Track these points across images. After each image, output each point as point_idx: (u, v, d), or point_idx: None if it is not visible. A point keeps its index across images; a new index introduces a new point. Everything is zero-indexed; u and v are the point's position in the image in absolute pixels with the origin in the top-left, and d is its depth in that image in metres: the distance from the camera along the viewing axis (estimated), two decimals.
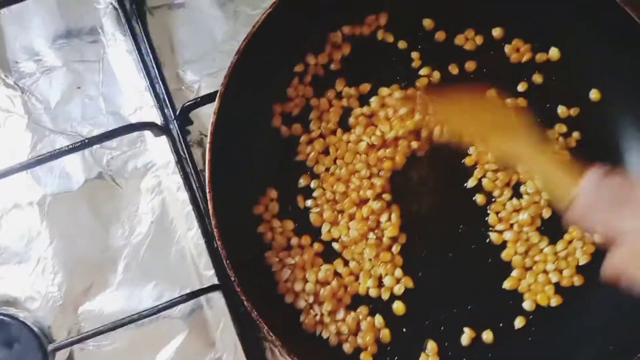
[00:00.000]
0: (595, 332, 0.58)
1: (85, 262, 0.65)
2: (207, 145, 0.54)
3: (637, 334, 0.56)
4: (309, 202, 0.62)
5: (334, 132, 0.63)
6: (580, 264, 0.61)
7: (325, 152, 0.63)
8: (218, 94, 0.55)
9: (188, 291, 0.63)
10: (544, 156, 0.55)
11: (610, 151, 0.62)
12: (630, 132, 0.62)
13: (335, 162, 0.63)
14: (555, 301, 0.60)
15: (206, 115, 0.67)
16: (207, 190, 0.53)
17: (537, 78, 0.64)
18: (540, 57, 0.64)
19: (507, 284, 0.61)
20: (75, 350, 0.63)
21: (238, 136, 0.60)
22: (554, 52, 0.64)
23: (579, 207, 0.48)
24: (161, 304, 0.61)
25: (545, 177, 0.57)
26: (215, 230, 0.53)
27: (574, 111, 0.63)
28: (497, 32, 0.64)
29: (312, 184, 0.62)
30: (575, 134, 0.63)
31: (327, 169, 0.63)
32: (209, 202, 0.54)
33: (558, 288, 0.61)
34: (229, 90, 0.56)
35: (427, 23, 0.64)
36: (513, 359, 0.59)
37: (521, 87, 0.64)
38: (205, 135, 0.67)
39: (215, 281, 0.64)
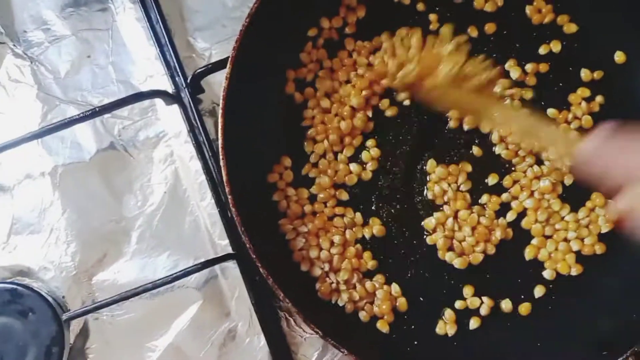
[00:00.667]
0: (617, 302, 0.57)
1: (98, 233, 0.65)
2: (220, 112, 0.53)
3: None
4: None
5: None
6: (602, 232, 0.59)
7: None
8: (229, 59, 0.54)
9: (202, 260, 0.62)
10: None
11: (635, 115, 0.59)
12: None
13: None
14: (575, 270, 0.59)
15: (218, 84, 0.66)
16: (221, 158, 0.52)
17: (558, 43, 0.62)
18: (562, 19, 0.62)
19: (527, 253, 0.59)
20: (89, 319, 0.63)
21: (251, 103, 0.58)
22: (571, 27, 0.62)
23: (586, 149, 0.47)
24: (175, 273, 0.61)
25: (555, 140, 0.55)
26: (229, 198, 0.52)
27: (597, 74, 0.61)
28: None
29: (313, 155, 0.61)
30: (599, 98, 0.61)
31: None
32: (222, 170, 0.53)
33: (579, 257, 0.59)
34: (241, 55, 0.55)
35: None
36: (533, 328, 0.58)
37: (542, 50, 0.62)
38: (218, 104, 0.66)
39: (230, 250, 0.63)
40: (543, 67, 0.61)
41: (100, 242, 0.65)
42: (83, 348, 0.63)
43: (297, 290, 0.54)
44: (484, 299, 0.59)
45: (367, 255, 0.60)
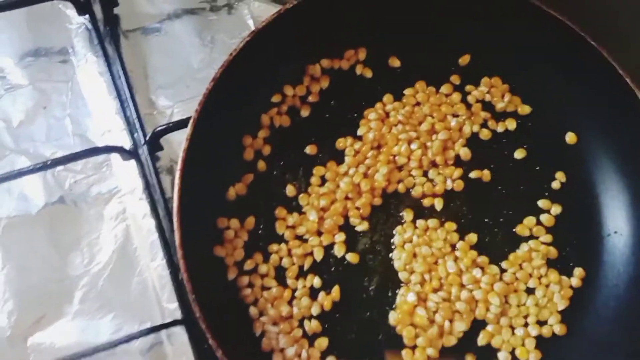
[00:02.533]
0: None
1: (39, 291, 0.61)
2: (177, 172, 0.52)
3: None
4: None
5: None
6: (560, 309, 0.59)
7: None
8: (191, 120, 0.53)
9: (149, 325, 0.60)
10: None
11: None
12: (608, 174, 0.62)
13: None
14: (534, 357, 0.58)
15: (177, 142, 0.66)
16: (175, 219, 0.51)
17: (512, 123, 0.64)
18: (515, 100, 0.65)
19: (480, 339, 0.58)
20: None
21: (209, 165, 0.58)
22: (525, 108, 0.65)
23: None
24: (119, 338, 0.57)
25: None
26: (181, 261, 0.50)
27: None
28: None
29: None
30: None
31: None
32: (175, 231, 0.51)
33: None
34: (203, 116, 0.54)
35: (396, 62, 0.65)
36: None
37: (500, 127, 0.64)
38: (176, 162, 0.64)
39: (178, 315, 0.61)
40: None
41: (41, 301, 0.61)
42: None
43: None
44: None
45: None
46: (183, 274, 0.50)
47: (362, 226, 0.60)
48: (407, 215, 0.61)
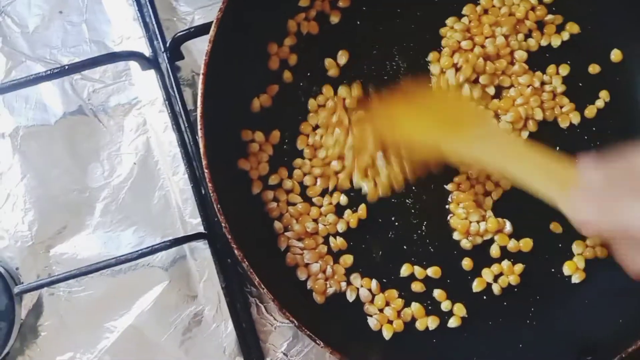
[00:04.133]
0: (603, 305, 0.55)
1: (59, 202, 0.60)
2: (201, 77, 0.49)
3: None
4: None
5: None
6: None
7: None
8: (214, 21, 0.50)
9: (171, 238, 0.58)
10: (523, 148, 0.49)
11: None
12: None
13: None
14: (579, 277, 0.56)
15: (199, 52, 0.62)
16: (199, 127, 0.48)
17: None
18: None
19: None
20: (44, 294, 0.59)
21: (233, 73, 0.54)
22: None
23: (581, 202, 0.42)
24: (142, 249, 0.56)
25: (528, 172, 0.47)
26: (206, 172, 0.48)
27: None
28: None
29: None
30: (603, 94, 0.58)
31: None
32: (199, 139, 0.49)
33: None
34: (227, 18, 0.51)
35: None
36: (514, 331, 0.56)
37: (544, 41, 0.59)
38: (198, 74, 0.61)
39: (201, 230, 0.59)
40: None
41: (61, 212, 0.60)
42: (35, 325, 0.59)
43: (272, 276, 0.50)
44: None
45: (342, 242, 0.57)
46: (208, 184, 0.47)
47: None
48: None
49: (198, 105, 0.48)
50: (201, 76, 0.49)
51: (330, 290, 0.55)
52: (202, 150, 0.48)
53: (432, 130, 0.51)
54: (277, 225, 0.55)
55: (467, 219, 0.56)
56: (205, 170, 0.48)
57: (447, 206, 0.57)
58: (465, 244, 0.56)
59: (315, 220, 0.56)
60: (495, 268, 0.56)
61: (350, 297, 0.55)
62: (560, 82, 0.58)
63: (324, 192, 0.57)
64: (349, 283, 0.56)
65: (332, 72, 0.58)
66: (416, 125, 0.52)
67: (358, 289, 0.56)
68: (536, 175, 0.46)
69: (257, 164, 0.56)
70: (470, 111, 0.55)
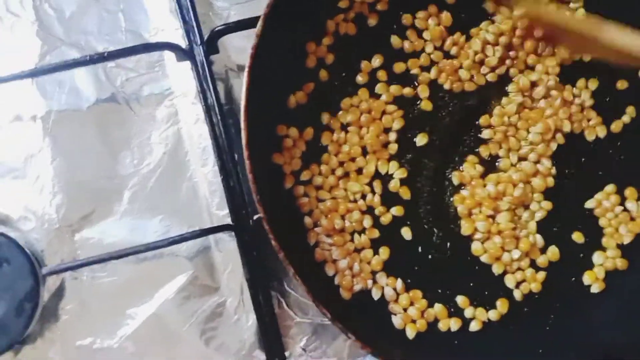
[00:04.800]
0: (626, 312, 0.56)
1: (88, 187, 0.60)
2: (246, 70, 0.50)
3: None
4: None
5: None
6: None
7: None
8: (262, 16, 0.51)
9: (197, 229, 0.59)
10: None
11: None
12: None
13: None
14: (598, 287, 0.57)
15: (233, 48, 0.63)
16: (242, 118, 0.49)
17: None
18: None
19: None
20: (67, 278, 0.59)
21: (273, 69, 0.54)
22: None
23: None
24: (172, 237, 0.57)
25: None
26: (247, 162, 0.48)
27: None
28: None
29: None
30: None
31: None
32: (243, 132, 0.49)
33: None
34: (272, 15, 0.52)
35: None
36: (530, 335, 0.57)
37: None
38: (232, 69, 0.63)
39: (228, 222, 0.60)
40: None
41: (89, 198, 0.60)
42: (57, 308, 0.59)
43: (302, 270, 0.50)
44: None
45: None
46: (248, 174, 0.48)
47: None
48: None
49: (242, 98, 0.49)
50: (246, 69, 0.50)
51: (356, 287, 0.55)
52: (244, 141, 0.49)
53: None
54: (307, 220, 0.56)
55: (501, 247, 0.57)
56: (247, 161, 0.49)
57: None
58: (496, 269, 0.57)
59: (343, 217, 0.57)
60: (519, 275, 0.57)
61: (376, 295, 0.56)
62: (589, 96, 0.59)
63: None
64: (374, 281, 0.56)
65: (362, 78, 0.59)
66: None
67: (383, 287, 0.56)
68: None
69: (290, 159, 0.57)
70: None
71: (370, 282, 0.56)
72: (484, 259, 0.57)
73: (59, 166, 0.60)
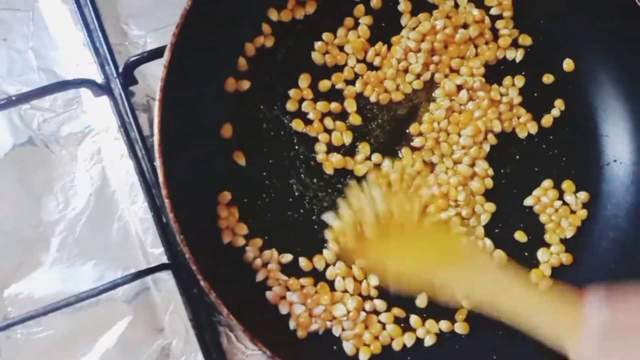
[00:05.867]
0: None
1: (12, 239, 0.57)
2: (157, 103, 0.47)
3: None
4: None
5: None
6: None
7: None
8: (169, 45, 0.48)
9: (133, 271, 0.56)
10: (523, 287, 0.46)
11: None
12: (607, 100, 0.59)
13: None
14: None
15: (153, 76, 0.61)
16: (158, 156, 0.47)
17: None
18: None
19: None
20: (0, 338, 0.56)
21: (190, 97, 0.53)
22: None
23: (587, 344, 0.40)
24: (103, 285, 0.54)
25: (531, 314, 0.44)
26: (167, 201, 0.46)
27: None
28: None
29: None
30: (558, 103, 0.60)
31: None
32: (159, 169, 0.47)
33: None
34: (181, 42, 0.49)
35: None
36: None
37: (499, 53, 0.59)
38: (153, 98, 0.61)
39: (164, 260, 0.57)
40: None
41: (15, 250, 0.57)
42: None
43: (243, 302, 0.49)
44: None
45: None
46: (169, 213, 0.46)
47: None
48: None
49: (155, 131, 0.47)
50: (157, 102, 0.47)
51: (314, 327, 0.54)
52: (161, 179, 0.47)
53: (422, 266, 0.48)
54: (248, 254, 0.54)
55: None
56: (166, 200, 0.46)
57: None
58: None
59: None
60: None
61: (337, 331, 0.54)
62: (516, 94, 0.59)
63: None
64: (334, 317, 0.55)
65: (290, 105, 0.57)
66: (405, 261, 0.48)
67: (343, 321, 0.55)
68: (535, 315, 0.44)
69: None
70: (459, 246, 0.52)
71: (329, 323, 0.54)
72: None
73: None
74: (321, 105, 0.57)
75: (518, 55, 0.59)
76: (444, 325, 0.55)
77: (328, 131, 0.57)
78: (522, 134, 0.59)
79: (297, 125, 0.57)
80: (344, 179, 0.57)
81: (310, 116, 0.57)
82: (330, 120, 0.57)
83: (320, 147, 0.57)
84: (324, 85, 0.57)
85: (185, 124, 0.52)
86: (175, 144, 0.49)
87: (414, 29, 0.58)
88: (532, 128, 0.59)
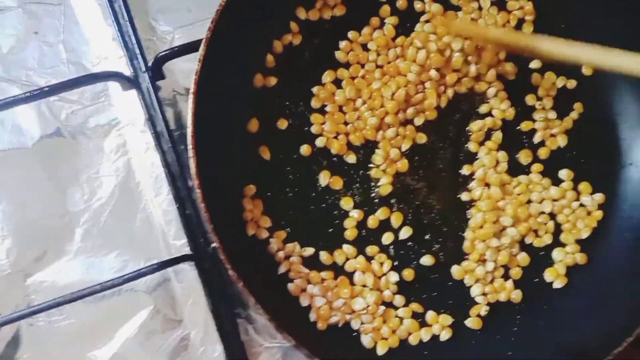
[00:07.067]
0: (590, 310, 0.56)
1: (38, 228, 0.58)
2: (191, 97, 0.48)
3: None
4: None
5: None
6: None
7: None
8: (204, 40, 0.50)
9: (156, 262, 0.57)
10: None
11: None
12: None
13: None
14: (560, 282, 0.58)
15: (180, 72, 0.62)
16: (190, 147, 0.48)
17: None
18: None
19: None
20: (23, 325, 0.56)
21: (219, 92, 0.54)
22: None
23: None
24: (125, 275, 0.55)
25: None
26: (198, 191, 0.47)
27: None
28: None
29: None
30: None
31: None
32: (191, 160, 0.48)
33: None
34: (216, 37, 0.51)
35: None
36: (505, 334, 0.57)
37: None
38: (180, 93, 0.62)
39: (186, 252, 0.58)
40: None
41: (40, 239, 0.58)
42: (14, 358, 0.56)
43: (266, 294, 0.49)
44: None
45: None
46: (200, 204, 0.47)
47: None
48: None
49: (189, 125, 0.48)
50: (191, 95, 0.48)
51: (334, 319, 0.54)
52: (193, 170, 0.48)
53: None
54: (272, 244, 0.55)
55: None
56: (198, 191, 0.47)
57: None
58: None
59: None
60: (488, 289, 0.57)
61: (355, 325, 0.55)
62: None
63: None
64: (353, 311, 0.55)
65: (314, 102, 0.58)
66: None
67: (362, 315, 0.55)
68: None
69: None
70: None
71: (348, 316, 0.55)
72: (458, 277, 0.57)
73: (6, 209, 0.58)
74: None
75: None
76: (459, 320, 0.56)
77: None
78: (553, 147, 0.60)
79: (315, 119, 0.58)
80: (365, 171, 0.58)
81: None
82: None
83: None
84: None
85: (215, 117, 0.52)
86: (206, 137, 0.50)
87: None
88: (562, 141, 0.60)
